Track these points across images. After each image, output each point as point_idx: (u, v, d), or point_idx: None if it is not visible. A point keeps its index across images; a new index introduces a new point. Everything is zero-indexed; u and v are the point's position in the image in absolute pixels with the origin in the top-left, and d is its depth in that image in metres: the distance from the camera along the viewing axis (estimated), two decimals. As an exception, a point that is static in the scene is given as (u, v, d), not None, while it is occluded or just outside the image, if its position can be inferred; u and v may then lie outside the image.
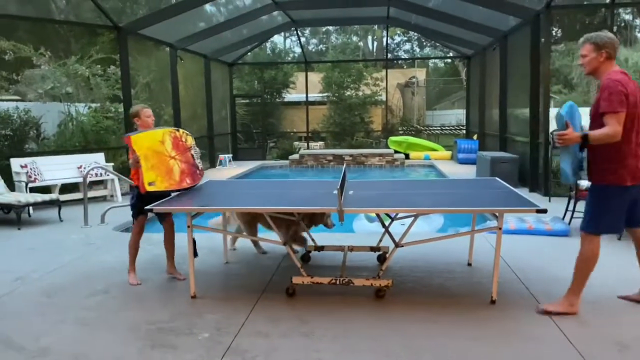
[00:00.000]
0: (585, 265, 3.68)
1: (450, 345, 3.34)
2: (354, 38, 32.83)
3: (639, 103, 3.46)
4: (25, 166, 8.34)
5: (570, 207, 6.60)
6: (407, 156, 16.02)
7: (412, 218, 4.30)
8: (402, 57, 35.45)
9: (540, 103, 9.23)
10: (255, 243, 5.56)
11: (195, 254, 4.33)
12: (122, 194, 9.35)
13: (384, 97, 19.48)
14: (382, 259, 5.09)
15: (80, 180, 8.58)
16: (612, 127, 3.39)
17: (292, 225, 4.77)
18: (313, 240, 5.35)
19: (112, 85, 11.60)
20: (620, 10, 17.08)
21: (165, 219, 4.78)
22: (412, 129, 22.88)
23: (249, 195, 4.83)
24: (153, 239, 5.79)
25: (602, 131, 3.44)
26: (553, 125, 8.93)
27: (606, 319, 3.67)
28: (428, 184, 5.64)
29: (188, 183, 4.67)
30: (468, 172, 12.05)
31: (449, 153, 16.21)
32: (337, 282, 4.16)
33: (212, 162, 14.86)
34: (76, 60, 11.33)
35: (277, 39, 25.82)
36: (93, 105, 11.37)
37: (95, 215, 7.33)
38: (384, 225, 4.82)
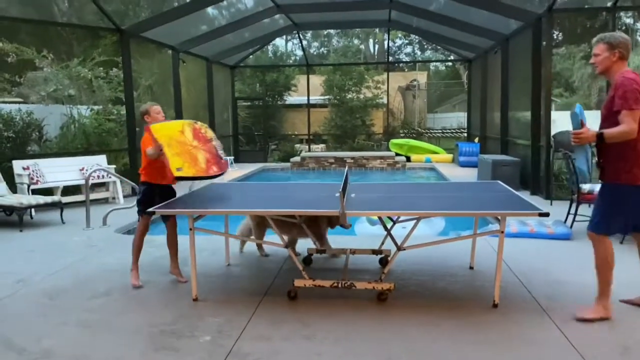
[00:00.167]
0: (604, 266, 3.66)
1: (452, 348, 3.34)
2: (356, 41, 32.88)
3: None
4: (28, 168, 8.35)
5: (572, 211, 6.59)
6: (408, 159, 16.02)
7: (414, 221, 4.30)
8: (404, 60, 35.53)
9: (541, 106, 9.23)
10: (259, 245, 5.56)
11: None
12: (124, 196, 9.36)
13: (385, 100, 19.49)
14: (384, 262, 5.08)
15: (82, 182, 8.57)
16: (629, 125, 3.39)
17: (317, 228, 4.81)
18: (315, 243, 5.35)
19: (115, 88, 11.62)
20: (622, 13, 17.07)
21: (168, 218, 4.79)
22: (413, 132, 22.89)
23: (251, 197, 4.84)
24: (156, 242, 5.80)
25: (618, 129, 3.44)
26: (555, 129, 8.99)
27: (609, 323, 3.66)
28: (430, 187, 5.64)
29: (215, 171, 4.49)
30: (469, 175, 12.04)
31: (450, 156, 16.20)
32: (339, 286, 4.15)
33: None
34: (79, 63, 11.36)
35: (279, 41, 25.85)
36: (95, 107, 11.39)
37: (97, 217, 7.33)
38: (386, 228, 4.83)
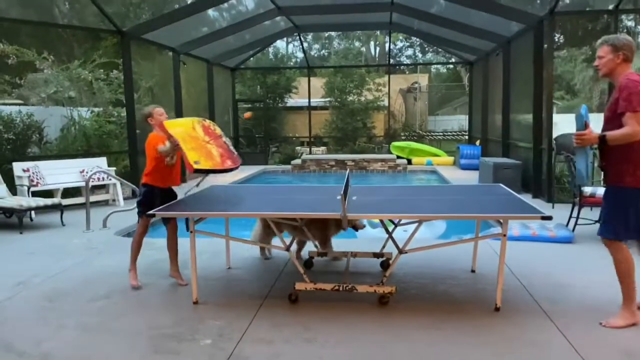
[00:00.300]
0: (624, 273, 3.59)
1: (454, 352, 3.32)
2: (357, 43, 32.92)
3: None
4: (28, 170, 8.33)
5: (574, 214, 6.57)
6: (409, 162, 16.01)
7: (416, 224, 4.27)
8: (405, 62, 35.56)
9: (543, 109, 9.22)
10: (262, 248, 5.54)
11: None
12: (124, 199, 9.34)
13: (386, 103, 19.49)
14: (385, 265, 5.06)
15: (83, 184, 8.56)
16: (632, 127, 3.37)
17: (324, 231, 4.80)
18: (316, 246, 5.33)
19: (115, 90, 11.62)
20: (623, 16, 17.07)
21: (169, 221, 4.78)
22: (415, 135, 22.89)
23: (252, 200, 4.82)
24: (156, 244, 5.78)
25: (621, 131, 3.42)
26: (556, 131, 8.97)
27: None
28: (431, 190, 5.62)
29: (229, 164, 4.50)
30: (470, 177, 12.02)
31: (451, 159, 16.19)
32: (341, 289, 4.13)
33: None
34: (79, 65, 11.36)
35: (280, 44, 25.90)
36: (96, 109, 11.39)
37: (97, 219, 7.31)
38: (387, 231, 4.80)
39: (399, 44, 34.24)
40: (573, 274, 4.85)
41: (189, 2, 11.38)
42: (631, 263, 3.58)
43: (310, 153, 17.92)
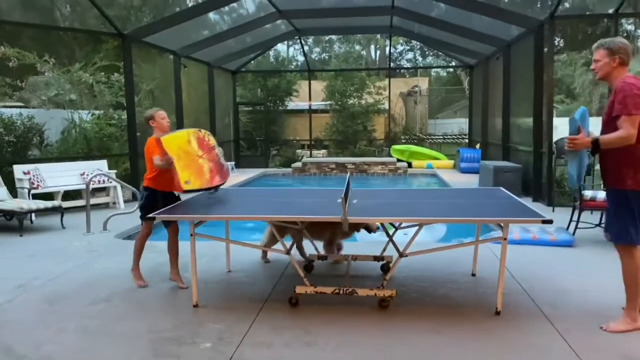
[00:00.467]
0: (632, 278, 3.57)
1: (454, 355, 3.31)
2: (357, 47, 32.98)
3: None
4: (28, 173, 8.34)
5: (575, 218, 6.56)
6: (409, 165, 16.01)
7: (416, 228, 4.27)
8: (405, 66, 35.59)
9: (543, 112, 9.22)
10: (265, 252, 5.53)
11: None
12: (125, 201, 9.34)
13: (386, 106, 19.51)
14: (385, 268, 5.05)
15: (83, 187, 8.56)
16: (627, 130, 3.37)
17: (332, 232, 4.82)
18: (317, 249, 5.33)
19: (116, 93, 11.62)
20: (623, 20, 17.09)
21: (170, 224, 4.78)
22: (415, 138, 22.90)
23: (252, 203, 4.82)
24: (157, 247, 5.77)
25: (615, 134, 3.41)
26: (556, 135, 8.98)
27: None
28: (432, 194, 5.62)
29: (217, 181, 4.76)
30: (470, 181, 12.02)
31: (451, 162, 16.19)
32: (341, 292, 4.13)
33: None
34: (80, 67, 11.37)
35: (281, 47, 25.95)
36: (96, 112, 11.39)
37: (98, 222, 7.31)
38: (388, 235, 4.81)
39: (400, 48, 34.27)
40: (573, 277, 4.85)
41: (190, 5, 11.41)
42: (639, 270, 3.55)
43: (310, 156, 17.93)
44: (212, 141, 4.89)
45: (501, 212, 4.19)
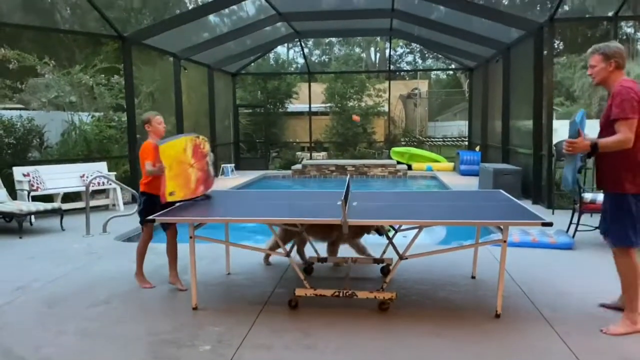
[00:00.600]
0: (630, 282, 3.57)
1: (454, 358, 3.31)
2: (357, 49, 33.00)
3: None
4: (28, 175, 8.33)
5: (574, 220, 6.56)
6: (409, 167, 16.02)
7: (416, 230, 4.27)
8: (405, 68, 35.65)
9: (543, 115, 9.23)
10: (267, 254, 5.52)
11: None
12: (124, 203, 9.34)
13: (386, 108, 19.52)
14: (385, 271, 5.05)
15: (83, 189, 8.55)
16: (624, 134, 3.37)
17: (339, 233, 4.81)
18: (316, 251, 5.33)
19: (116, 95, 11.64)
20: (623, 23, 17.12)
21: (169, 227, 4.78)
22: (415, 140, 22.92)
23: (252, 205, 4.82)
24: (157, 249, 5.76)
25: (613, 138, 3.42)
26: (556, 137, 8.98)
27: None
28: (432, 196, 5.62)
29: (201, 191, 4.84)
30: (470, 183, 12.02)
31: (451, 164, 16.19)
32: (341, 295, 4.12)
33: (214, 171, 14.86)
34: (80, 70, 11.38)
35: (281, 49, 25.94)
36: (96, 114, 11.40)
37: (97, 224, 7.31)
38: (387, 237, 4.80)
39: (399, 50, 34.35)
40: (573, 280, 4.85)
41: (190, 8, 11.42)
42: (636, 272, 3.56)
43: (310, 158, 17.94)
44: (207, 148, 4.93)
45: (501, 214, 4.19)
